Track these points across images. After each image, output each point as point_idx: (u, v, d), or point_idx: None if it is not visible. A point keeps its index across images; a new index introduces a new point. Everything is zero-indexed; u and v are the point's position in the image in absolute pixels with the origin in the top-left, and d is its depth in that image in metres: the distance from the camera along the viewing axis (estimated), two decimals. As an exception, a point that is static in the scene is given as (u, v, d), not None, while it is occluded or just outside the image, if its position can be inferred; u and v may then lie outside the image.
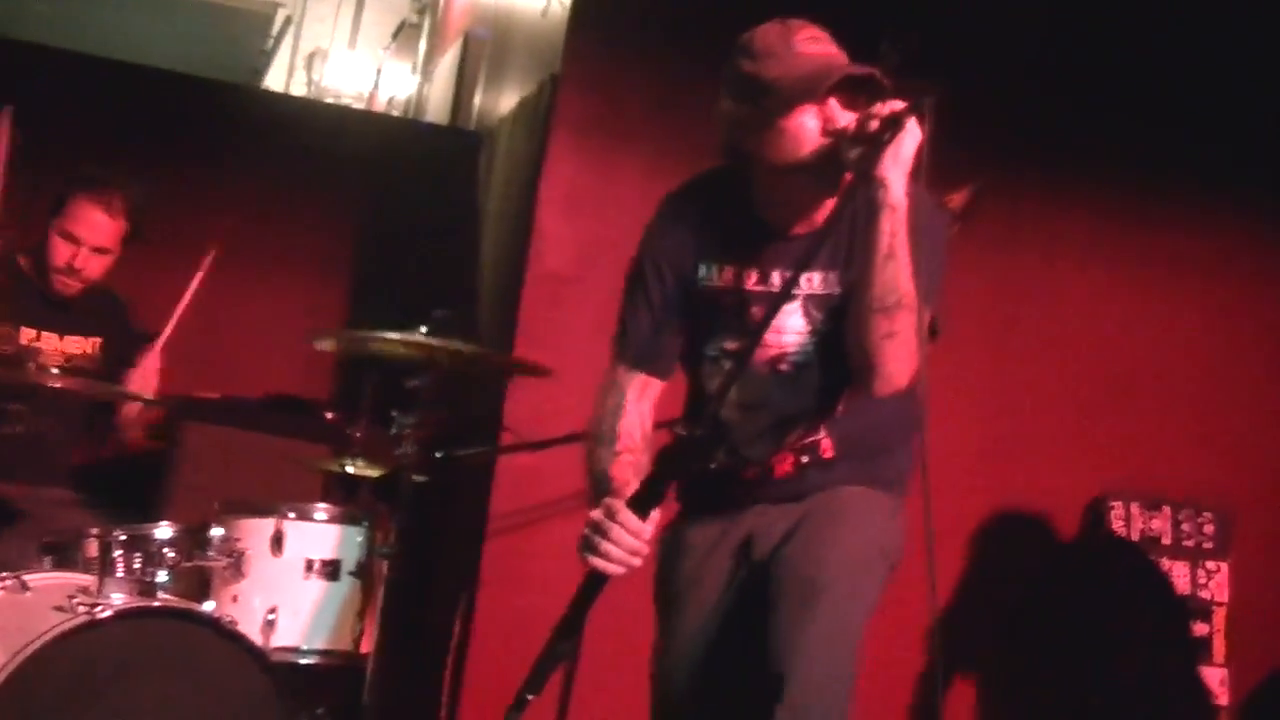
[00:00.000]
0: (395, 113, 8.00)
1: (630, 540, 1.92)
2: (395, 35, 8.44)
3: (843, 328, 2.07)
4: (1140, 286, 4.28)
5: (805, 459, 2.14)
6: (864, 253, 1.98)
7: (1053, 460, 4.06)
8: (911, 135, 1.92)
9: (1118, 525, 4.04)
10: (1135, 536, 4.03)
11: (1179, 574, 4.02)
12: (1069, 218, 4.29)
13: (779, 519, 2.15)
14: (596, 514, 1.94)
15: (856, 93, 2.01)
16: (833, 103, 2.02)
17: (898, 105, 1.90)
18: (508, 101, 4.95)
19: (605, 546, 1.91)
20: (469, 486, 4.03)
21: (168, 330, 3.55)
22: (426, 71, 7.59)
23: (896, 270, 1.95)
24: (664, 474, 1.95)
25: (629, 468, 2.08)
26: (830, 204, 2.09)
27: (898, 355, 1.98)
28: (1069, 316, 4.26)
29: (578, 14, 4.02)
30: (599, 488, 2.07)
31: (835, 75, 1.99)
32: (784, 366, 2.13)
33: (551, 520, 3.78)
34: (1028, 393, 4.18)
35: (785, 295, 2.01)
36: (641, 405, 2.19)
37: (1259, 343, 4.31)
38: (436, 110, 7.03)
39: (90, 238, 3.44)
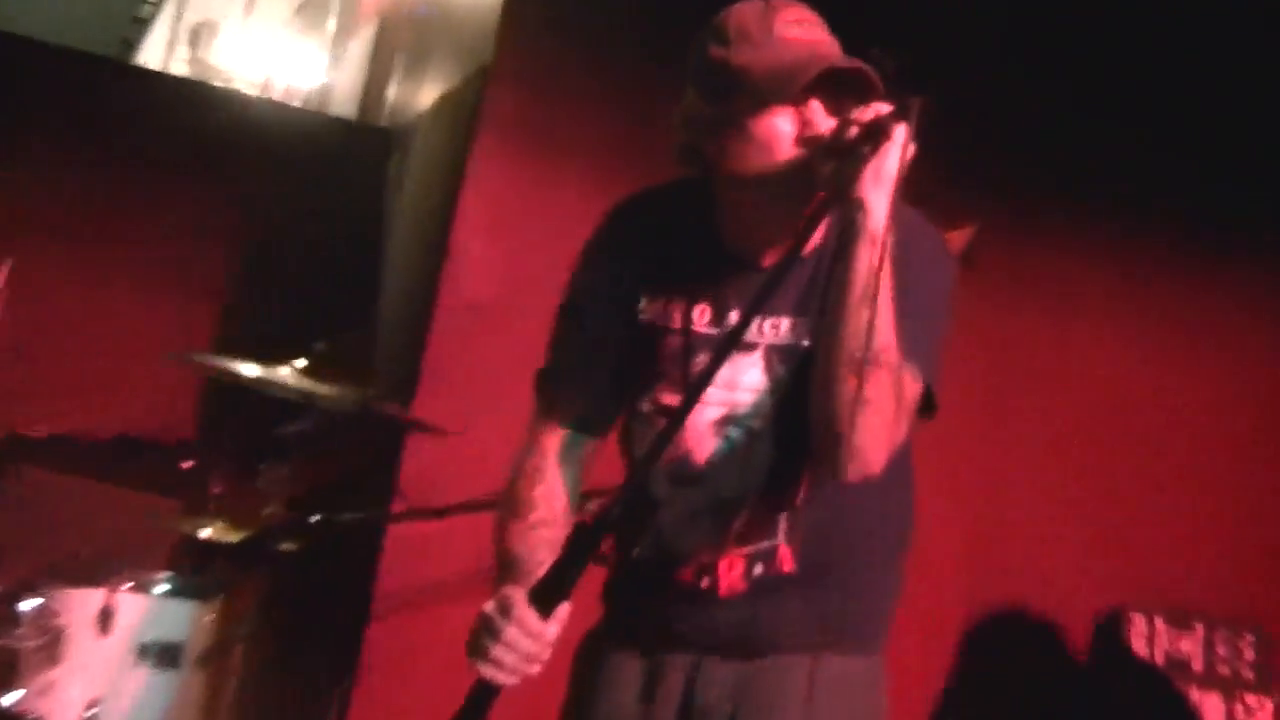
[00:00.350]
0: (295, 102, 8.01)
1: (527, 643, 1.83)
2: (299, 9, 8.49)
3: (798, 393, 2.01)
4: (1168, 354, 4.32)
5: (759, 569, 2.04)
6: (834, 293, 1.89)
7: (1058, 561, 4.05)
8: (899, 148, 1.83)
9: (1138, 644, 3.96)
10: (1159, 659, 3.94)
11: (1211, 708, 3.89)
12: (1085, 269, 4.33)
13: (720, 695, 2.05)
14: (489, 608, 1.85)
15: (844, 94, 1.94)
16: (815, 105, 1.95)
17: (882, 109, 1.83)
18: (428, 95, 5.02)
19: (497, 651, 1.82)
20: (351, 558, 3.97)
21: None
22: (335, 55, 7.65)
23: (873, 317, 1.85)
24: (572, 562, 1.85)
25: (544, 546, 2.01)
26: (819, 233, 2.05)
27: (871, 428, 1.88)
28: (1080, 387, 4.28)
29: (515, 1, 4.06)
30: (505, 570, 2.02)
31: (814, 69, 1.91)
32: (732, 431, 2.05)
33: (450, 603, 3.72)
34: (1028, 477, 4.19)
35: (736, 337, 1.93)
36: (568, 468, 2.13)
37: None
38: (344, 101, 7.06)
39: None
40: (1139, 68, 4.27)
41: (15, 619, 3.07)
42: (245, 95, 8.03)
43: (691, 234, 2.10)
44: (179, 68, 9.07)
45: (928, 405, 1.98)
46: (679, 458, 2.05)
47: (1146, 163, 4.27)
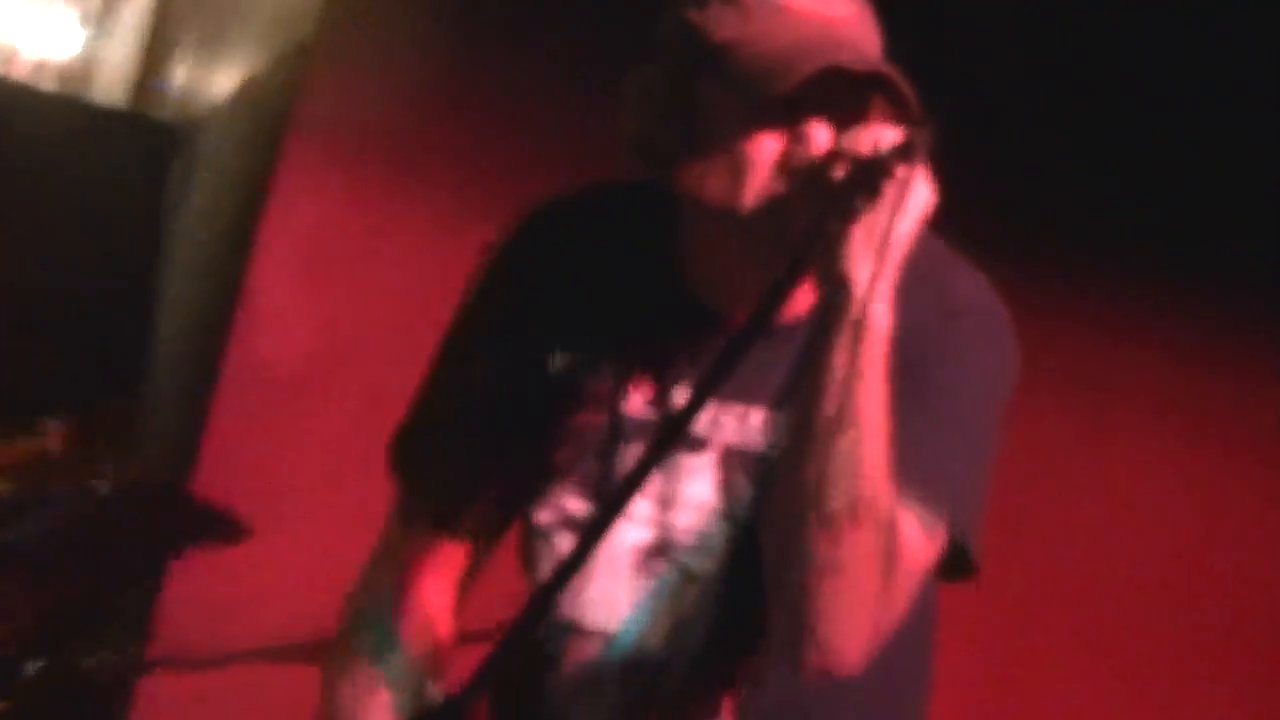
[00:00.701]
0: (47, 85, 7.90)
1: None
2: None
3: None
4: (1239, 470, 4.07)
5: None
6: (801, 408, 1.74)
7: None
8: (914, 199, 1.69)
9: None
10: None
11: None
12: (1129, 352, 4.17)
13: None
14: None
15: (862, 106, 1.79)
16: (817, 129, 1.77)
17: (885, 137, 1.68)
18: (225, 82, 4.98)
19: None
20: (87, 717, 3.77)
21: None
22: (101, 25, 7.60)
23: (855, 450, 1.69)
24: None
25: (381, 710, 1.97)
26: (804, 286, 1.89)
27: (844, 609, 1.73)
28: (1119, 511, 4.11)
29: None
30: None
31: (818, 61, 1.73)
32: (664, 569, 1.90)
33: None
34: (1041, 638, 4.02)
35: (678, 428, 1.75)
36: (439, 591, 2.02)
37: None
38: (111, 84, 7.01)
39: None
40: (1193, 121, 4.15)
41: None
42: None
43: (640, 264, 1.96)
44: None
45: (959, 565, 1.85)
46: (586, 599, 1.93)
47: (1204, 228, 4.18)
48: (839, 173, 1.69)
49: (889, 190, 1.67)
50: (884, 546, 1.71)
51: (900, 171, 1.67)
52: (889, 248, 1.68)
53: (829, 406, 1.70)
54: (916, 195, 1.69)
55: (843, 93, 1.77)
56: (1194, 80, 4.13)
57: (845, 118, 1.78)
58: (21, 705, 3.34)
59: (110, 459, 3.56)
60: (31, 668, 3.30)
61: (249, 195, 4.07)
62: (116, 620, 3.88)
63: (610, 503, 1.74)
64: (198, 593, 3.67)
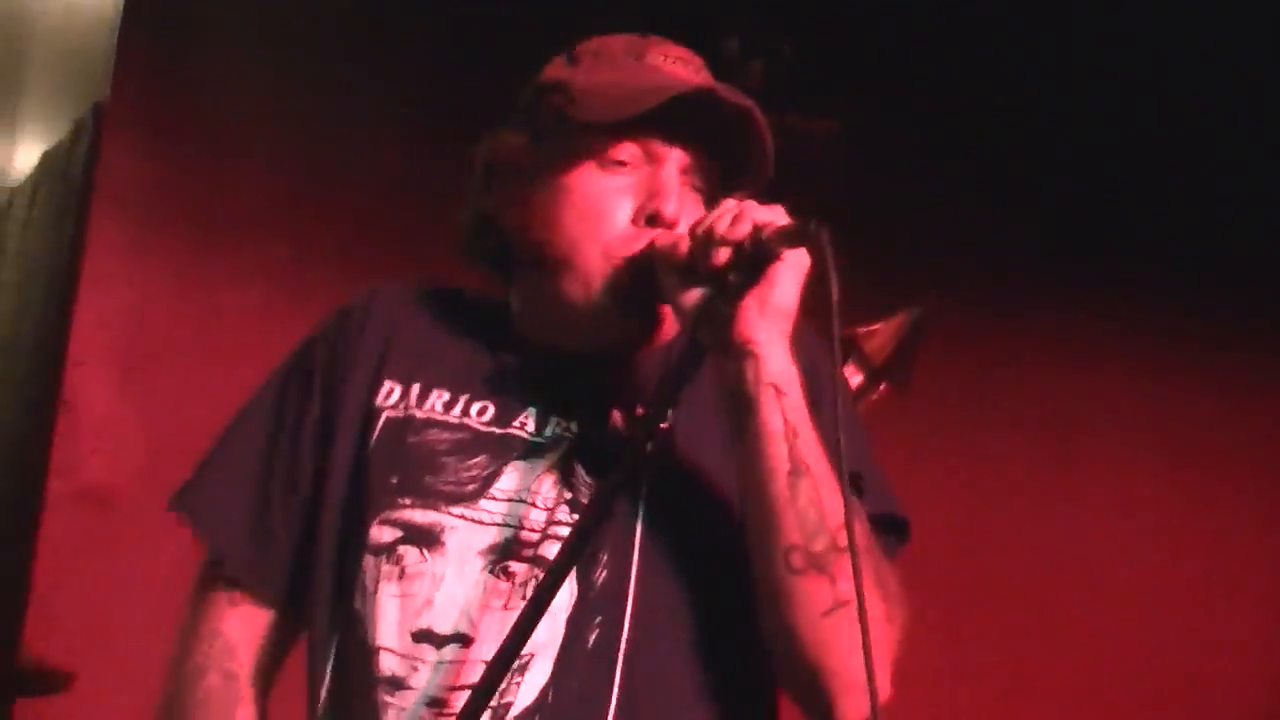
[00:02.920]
0: None
1: None
2: None
3: (624, 512, 1.99)
4: (1219, 496, 4.38)
5: None
6: (745, 481, 1.89)
7: None
8: (792, 269, 1.82)
9: None
10: None
11: None
12: (1094, 380, 4.38)
13: None
14: None
15: (724, 156, 1.97)
16: (671, 167, 1.94)
17: (763, 217, 1.81)
18: (25, 157, 4.91)
19: None
20: None
21: None
22: None
23: (815, 492, 1.86)
24: None
25: None
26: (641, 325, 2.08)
27: (856, 642, 1.76)
28: (1094, 549, 4.32)
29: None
30: None
31: (674, 90, 1.90)
32: (512, 564, 2.00)
33: None
34: (1029, 689, 4.19)
35: (650, 425, 1.90)
36: (258, 656, 2.08)
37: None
38: None
39: None
40: (1155, 151, 4.45)
41: None
42: None
43: (473, 318, 2.13)
44: None
45: (900, 534, 2.07)
46: (424, 599, 1.99)
47: (1168, 256, 4.39)
48: (721, 258, 1.80)
49: (774, 268, 1.80)
50: (873, 567, 1.84)
51: (781, 246, 1.79)
52: (780, 315, 1.84)
53: (784, 464, 1.85)
54: (796, 265, 1.80)
55: (700, 139, 1.91)
56: (1154, 117, 4.41)
57: (703, 166, 1.93)
58: None
59: None
60: None
61: (58, 290, 3.99)
62: None
63: (576, 537, 1.86)
64: None
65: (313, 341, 2.15)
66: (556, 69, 2.03)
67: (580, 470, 2.05)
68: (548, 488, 2.03)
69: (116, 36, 3.91)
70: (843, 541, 1.81)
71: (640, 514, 2.01)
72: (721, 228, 1.83)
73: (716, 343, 1.87)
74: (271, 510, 2.09)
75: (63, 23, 4.81)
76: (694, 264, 1.86)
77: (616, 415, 2.07)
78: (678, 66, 2.01)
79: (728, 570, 1.99)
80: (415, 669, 1.97)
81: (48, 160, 4.47)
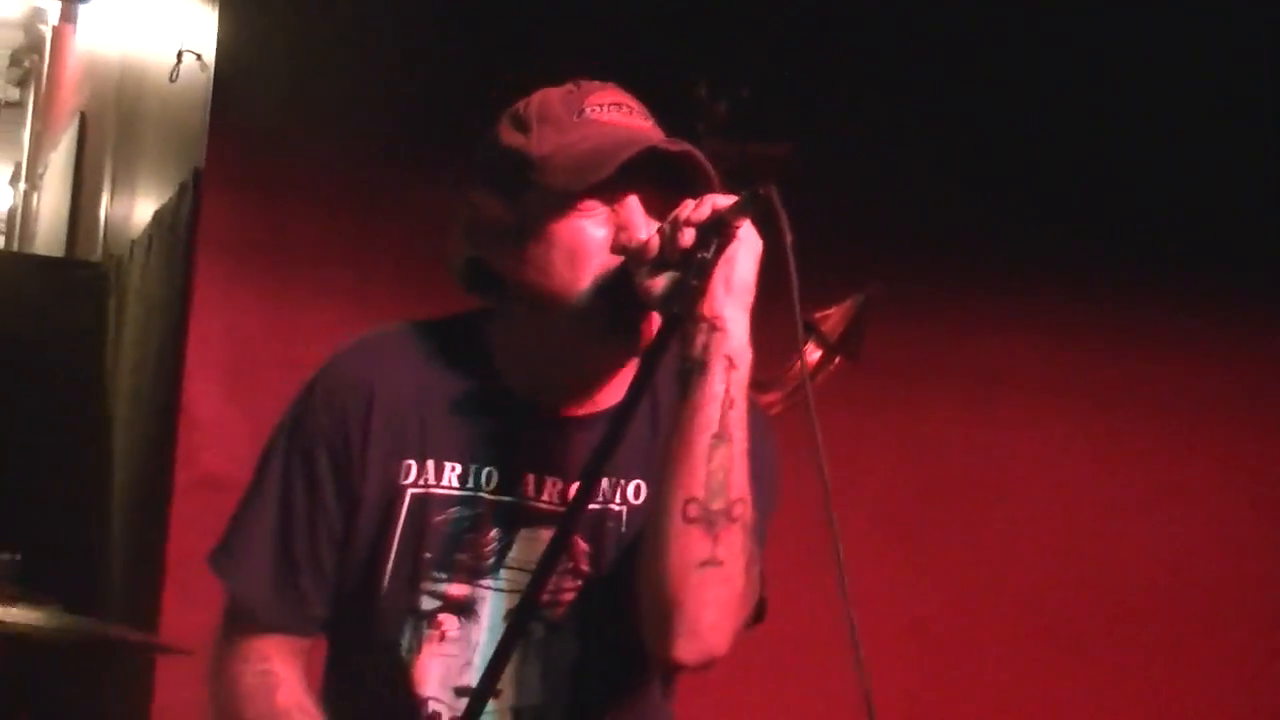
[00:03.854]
0: None
1: None
2: None
3: (614, 572, 1.99)
4: (1125, 442, 4.38)
5: None
6: (680, 430, 1.86)
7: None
8: (749, 247, 1.83)
9: None
10: None
11: None
12: (1012, 342, 4.36)
13: None
14: None
15: (673, 191, 1.92)
16: (632, 202, 1.92)
17: (721, 201, 1.81)
18: (142, 213, 4.97)
19: None
20: None
21: None
22: (32, 175, 7.50)
23: (730, 460, 1.84)
24: None
25: None
26: (627, 375, 2.00)
27: (718, 599, 1.86)
28: (1016, 493, 4.32)
29: (224, 75, 4.06)
30: None
31: (630, 150, 1.88)
32: (532, 626, 2.01)
33: None
34: (963, 618, 4.19)
35: (581, 504, 1.88)
36: (294, 672, 2.06)
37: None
38: (50, 231, 6.95)
39: None
40: (1069, 120, 4.42)
41: None
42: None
43: (465, 377, 2.05)
44: None
45: (759, 611, 1.98)
46: (465, 661, 2.01)
47: (1079, 212, 4.38)
48: (686, 238, 1.80)
49: (733, 245, 1.80)
50: (749, 547, 1.85)
51: (740, 227, 1.79)
52: (742, 291, 1.83)
53: (713, 426, 1.83)
54: (752, 244, 1.82)
55: (652, 181, 1.91)
56: (1066, 77, 4.40)
57: (657, 203, 1.91)
58: None
59: (73, 592, 3.45)
60: None
61: (173, 317, 4.07)
62: None
63: (530, 590, 1.87)
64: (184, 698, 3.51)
65: (315, 402, 2.09)
66: (510, 134, 2.01)
67: (576, 539, 2.03)
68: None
69: (209, 115, 4.03)
70: (736, 512, 1.85)
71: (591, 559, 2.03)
72: (684, 215, 1.85)
73: (686, 315, 1.86)
74: (298, 578, 2.06)
75: (166, 107, 4.82)
76: (664, 255, 1.87)
77: (603, 485, 2.05)
78: (616, 115, 2.00)
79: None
80: (453, 711, 2.00)
81: (159, 217, 4.55)
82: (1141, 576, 4.37)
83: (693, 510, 1.84)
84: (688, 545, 1.84)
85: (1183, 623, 4.39)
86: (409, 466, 2.00)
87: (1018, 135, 4.38)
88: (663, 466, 1.88)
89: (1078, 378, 4.44)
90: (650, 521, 1.90)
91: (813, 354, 3.17)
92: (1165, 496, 4.48)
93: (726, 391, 1.84)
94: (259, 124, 4.03)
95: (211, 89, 4.05)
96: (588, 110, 1.96)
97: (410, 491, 2.00)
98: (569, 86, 2.00)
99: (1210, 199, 4.50)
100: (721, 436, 1.84)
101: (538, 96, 2.00)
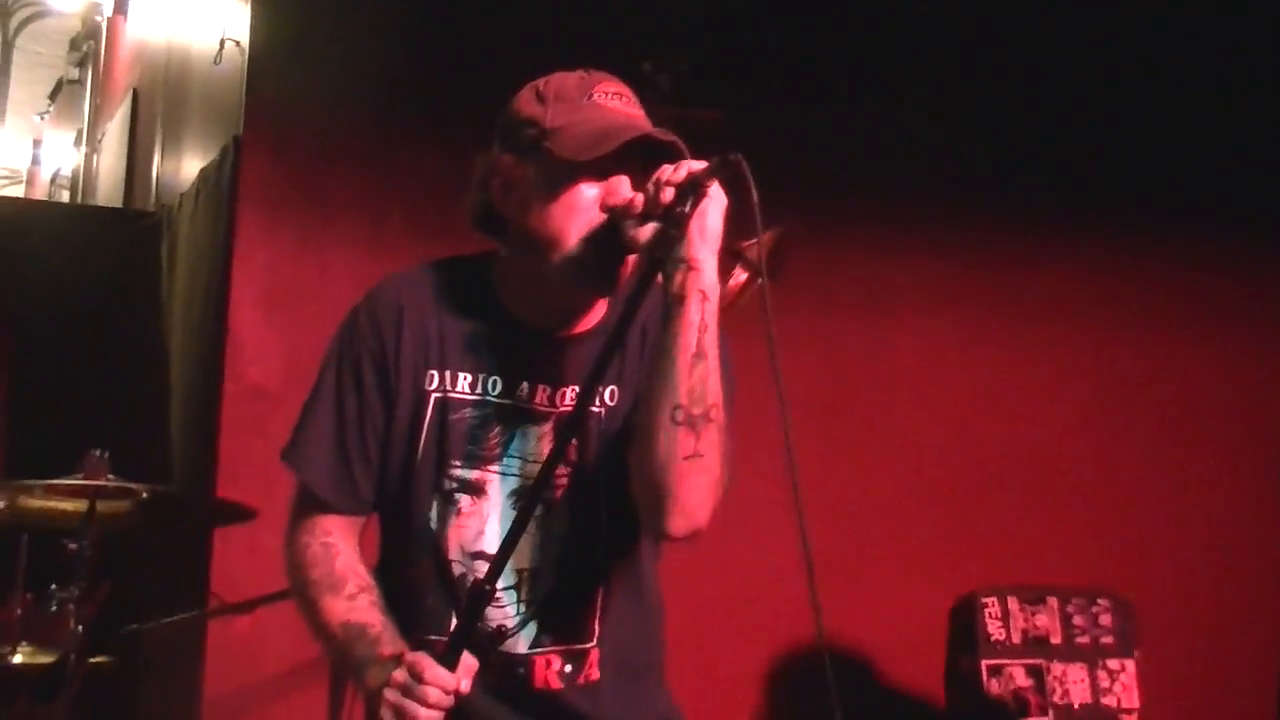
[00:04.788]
0: (63, 191, 7.90)
1: (446, 699, 1.91)
2: (53, 96, 8.33)
3: (596, 461, 2.08)
4: (995, 340, 4.46)
5: (569, 668, 2.10)
6: (665, 349, 1.94)
7: (907, 564, 4.14)
8: (717, 202, 1.91)
9: (993, 627, 3.95)
10: (1016, 638, 3.94)
11: (1075, 679, 3.90)
12: (902, 260, 4.38)
13: None
14: (401, 677, 1.91)
15: (652, 169, 1.98)
16: (622, 178, 2.00)
17: (695, 166, 1.89)
18: (189, 172, 4.96)
19: (423, 713, 1.90)
20: (171, 667, 4.00)
21: None
22: (93, 140, 7.46)
23: (706, 374, 1.92)
24: (471, 619, 1.94)
25: (375, 609, 2.06)
26: (603, 303, 2.12)
27: (700, 485, 1.95)
28: (909, 382, 4.35)
29: (260, 59, 4.12)
30: (355, 642, 2.04)
31: (630, 133, 1.96)
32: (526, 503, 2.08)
33: (280, 698, 3.77)
34: (867, 484, 4.23)
35: (579, 417, 1.98)
36: (350, 543, 2.15)
37: (1149, 399, 4.53)
38: (108, 187, 6.88)
39: None
40: (944, 55, 4.44)
41: None
42: None
43: (475, 306, 2.13)
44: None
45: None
46: (478, 531, 2.09)
47: (954, 150, 4.39)
48: (667, 196, 1.88)
49: (704, 201, 1.88)
50: (724, 443, 1.94)
51: (709, 188, 1.87)
52: (714, 236, 1.91)
53: (691, 347, 1.91)
54: (719, 200, 1.90)
55: (637, 161, 1.97)
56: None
57: (638, 178, 1.98)
58: (122, 660, 3.59)
59: (145, 481, 3.49)
60: (122, 632, 3.51)
61: (218, 258, 4.12)
62: (180, 594, 3.93)
63: (539, 479, 1.94)
64: (235, 559, 3.76)
65: (360, 323, 2.13)
66: (530, 105, 2.05)
67: (563, 433, 2.05)
68: (543, 447, 2.10)
69: (245, 91, 4.10)
70: (713, 415, 1.93)
71: (599, 461, 2.09)
72: (665, 177, 1.90)
73: (667, 259, 1.92)
74: (351, 468, 2.11)
75: (208, 84, 4.84)
76: (648, 210, 1.92)
77: (577, 391, 2.07)
78: (618, 103, 2.03)
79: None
80: (471, 571, 2.08)
81: (204, 174, 4.57)
82: (1012, 450, 4.45)
83: (679, 415, 1.92)
84: (675, 443, 1.92)
85: (1047, 485, 4.46)
86: (432, 375, 2.09)
87: (906, 85, 4.40)
88: (651, 381, 1.95)
89: (958, 288, 4.50)
90: (642, 425, 1.96)
91: (740, 277, 3.25)
92: (1029, 385, 4.54)
93: (702, 319, 1.91)
94: (288, 98, 4.08)
95: (246, 69, 4.10)
96: (595, 96, 2.01)
97: (434, 396, 2.09)
98: (580, 73, 2.05)
99: (1068, 118, 4.52)
100: (699, 355, 1.91)
101: (555, 78, 2.05)
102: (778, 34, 4.36)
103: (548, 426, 2.09)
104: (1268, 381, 4.70)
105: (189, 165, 5.01)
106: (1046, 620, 3.95)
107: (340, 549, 2.12)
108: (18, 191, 8.38)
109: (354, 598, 2.07)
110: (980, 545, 4.20)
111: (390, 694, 1.90)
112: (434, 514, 2.10)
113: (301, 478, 2.14)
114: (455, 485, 2.10)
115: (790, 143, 4.17)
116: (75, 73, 7.75)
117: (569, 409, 2.08)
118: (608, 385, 2.10)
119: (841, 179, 4.35)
